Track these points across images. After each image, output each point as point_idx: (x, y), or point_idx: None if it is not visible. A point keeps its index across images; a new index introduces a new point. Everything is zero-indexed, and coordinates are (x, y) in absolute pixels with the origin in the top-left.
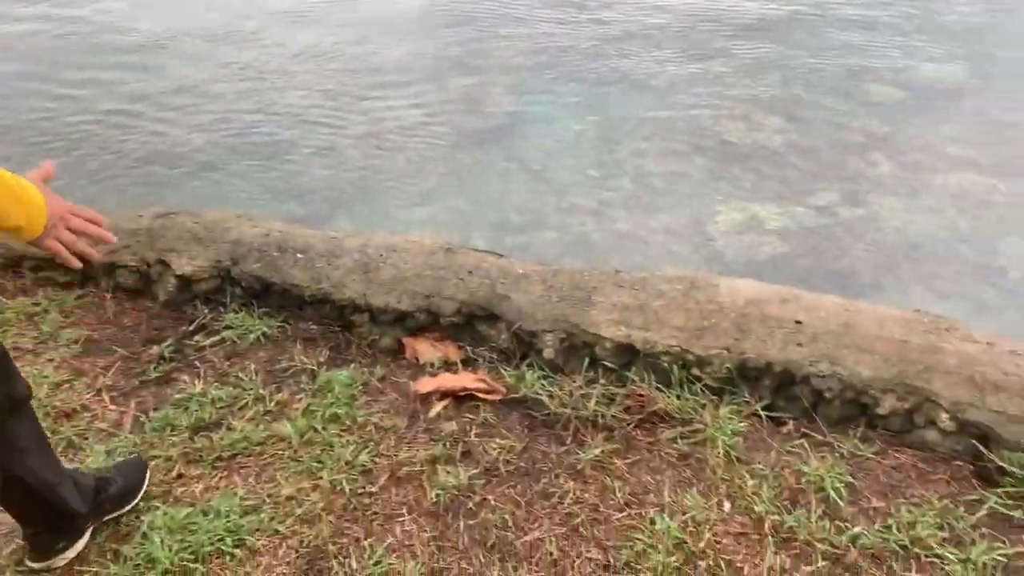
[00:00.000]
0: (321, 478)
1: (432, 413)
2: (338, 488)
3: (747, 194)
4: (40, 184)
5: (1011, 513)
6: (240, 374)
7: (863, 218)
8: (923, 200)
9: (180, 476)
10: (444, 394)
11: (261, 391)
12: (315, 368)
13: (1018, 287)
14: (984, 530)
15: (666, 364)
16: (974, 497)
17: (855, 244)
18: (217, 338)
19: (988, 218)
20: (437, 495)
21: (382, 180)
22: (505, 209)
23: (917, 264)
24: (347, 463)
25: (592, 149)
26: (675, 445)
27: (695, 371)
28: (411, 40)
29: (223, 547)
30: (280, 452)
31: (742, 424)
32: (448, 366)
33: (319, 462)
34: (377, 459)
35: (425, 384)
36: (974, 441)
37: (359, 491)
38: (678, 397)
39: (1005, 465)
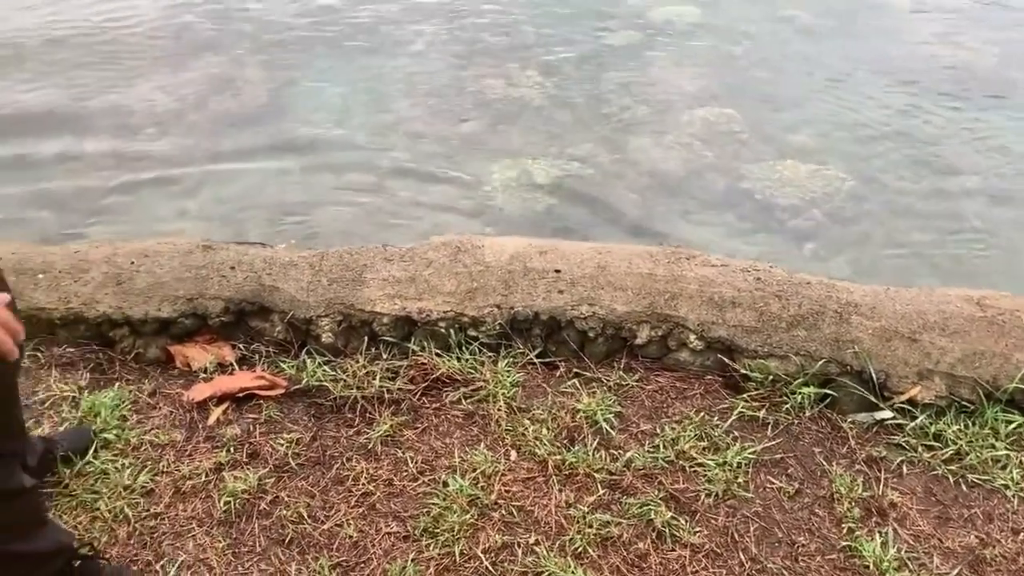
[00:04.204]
0: (99, 508)
1: (212, 420)
2: (120, 516)
3: (516, 151)
4: None
5: (756, 414)
6: None
7: (622, 161)
8: (673, 137)
9: None
10: (222, 398)
11: None
12: (76, 394)
13: (763, 208)
14: (736, 433)
15: (443, 330)
16: (725, 406)
17: (619, 187)
18: None
19: (730, 146)
20: (227, 502)
21: (141, 181)
22: (280, 194)
23: (675, 198)
24: (126, 488)
25: (360, 120)
26: (460, 406)
27: (471, 332)
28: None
29: None
30: (50, 489)
31: (519, 375)
32: (223, 368)
33: (95, 492)
34: (158, 478)
35: (200, 391)
36: (720, 355)
37: (143, 515)
38: (458, 359)
39: (748, 372)
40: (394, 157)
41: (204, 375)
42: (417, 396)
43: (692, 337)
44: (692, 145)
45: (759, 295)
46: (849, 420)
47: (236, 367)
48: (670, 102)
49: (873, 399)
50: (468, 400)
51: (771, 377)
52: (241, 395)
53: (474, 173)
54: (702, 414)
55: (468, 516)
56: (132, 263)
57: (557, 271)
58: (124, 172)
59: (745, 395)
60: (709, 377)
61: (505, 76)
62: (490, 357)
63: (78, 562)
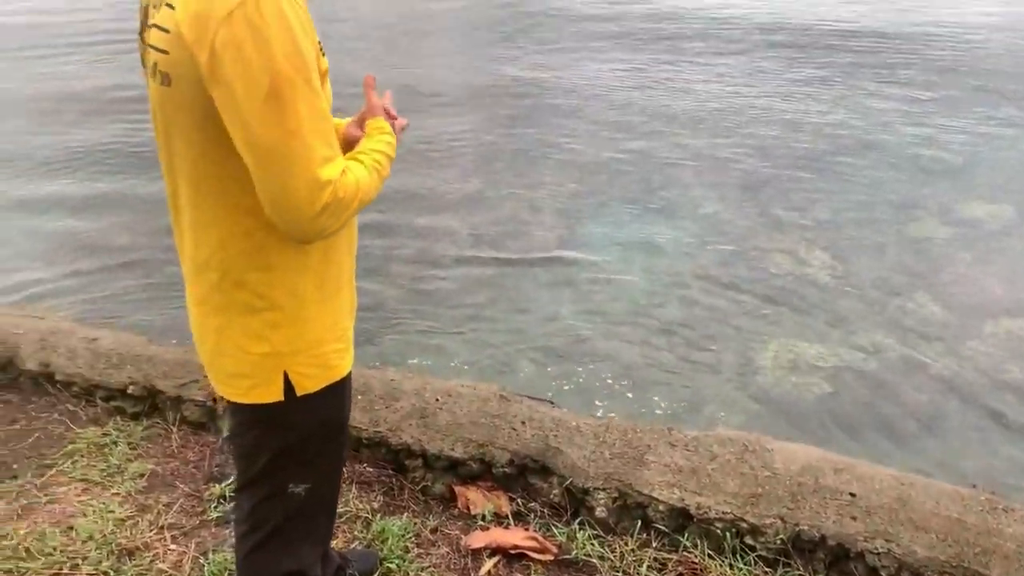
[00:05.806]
0: None
1: (483, 572)
2: None
3: (794, 332)
4: (381, 112)
5: None
6: None
7: (909, 361)
8: (971, 345)
9: None
10: (495, 551)
11: None
12: (369, 516)
13: None
14: None
15: (719, 531)
16: None
17: (902, 389)
18: None
19: None
20: None
21: (431, 301)
22: (552, 333)
23: (965, 414)
24: None
25: (640, 278)
26: None
27: (748, 540)
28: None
29: None
30: None
31: None
32: (499, 518)
33: None
34: None
35: (477, 539)
36: None
37: None
38: (731, 567)
39: None
40: (668, 318)
41: (482, 522)
42: None
43: None
44: (993, 356)
45: None
46: None
47: (511, 520)
48: (972, 306)
49: None
50: None
51: None
52: (513, 552)
53: (747, 346)
54: None
55: None
56: (437, 400)
57: (852, 495)
58: (418, 295)
59: None
60: None
61: (791, 253)
62: (765, 572)
63: None
